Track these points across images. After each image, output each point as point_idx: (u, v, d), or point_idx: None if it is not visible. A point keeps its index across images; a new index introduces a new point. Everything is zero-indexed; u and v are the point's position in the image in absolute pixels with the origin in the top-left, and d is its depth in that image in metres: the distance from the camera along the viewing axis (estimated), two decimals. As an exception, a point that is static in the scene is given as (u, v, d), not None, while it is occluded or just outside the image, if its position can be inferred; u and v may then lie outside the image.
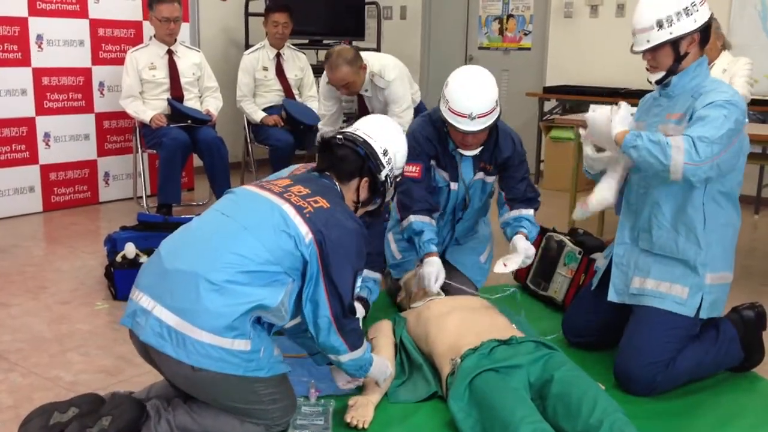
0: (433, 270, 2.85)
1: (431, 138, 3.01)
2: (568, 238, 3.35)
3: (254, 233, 1.99)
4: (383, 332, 2.63)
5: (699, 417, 2.37)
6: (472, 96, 2.79)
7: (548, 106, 6.36)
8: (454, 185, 3.09)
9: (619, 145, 2.41)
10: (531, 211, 3.09)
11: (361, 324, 2.44)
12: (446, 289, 3.09)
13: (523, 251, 2.89)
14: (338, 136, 2.31)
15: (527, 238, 2.96)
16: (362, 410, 2.22)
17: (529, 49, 6.88)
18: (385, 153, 2.31)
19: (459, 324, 2.46)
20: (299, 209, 2.04)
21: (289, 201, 2.06)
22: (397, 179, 2.40)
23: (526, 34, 6.96)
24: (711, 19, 2.45)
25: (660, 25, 2.40)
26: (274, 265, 1.98)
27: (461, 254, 3.29)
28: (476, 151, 2.96)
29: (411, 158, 2.87)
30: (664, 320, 2.47)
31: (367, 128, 2.35)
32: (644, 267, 2.56)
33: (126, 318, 2.01)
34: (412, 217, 2.98)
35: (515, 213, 3.08)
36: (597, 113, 2.53)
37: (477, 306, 2.66)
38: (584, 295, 2.86)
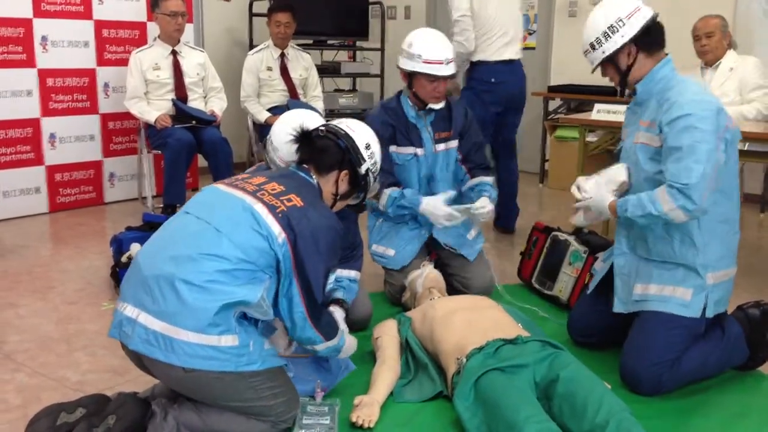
0: (438, 201, 3.11)
1: (386, 121, 3.19)
2: (573, 237, 3.35)
3: (227, 234, 2.00)
4: (388, 332, 2.64)
5: (705, 416, 2.37)
6: (441, 44, 3.13)
7: (553, 105, 6.35)
8: (420, 151, 3.24)
9: (614, 214, 2.52)
10: (490, 179, 3.35)
11: (347, 329, 2.45)
12: (467, 286, 3.23)
13: (486, 213, 3.13)
14: (320, 128, 2.34)
15: (490, 199, 3.22)
16: (368, 409, 2.23)
17: (533, 48, 6.87)
18: (367, 147, 2.35)
19: (464, 323, 2.46)
20: (272, 208, 2.05)
21: (261, 200, 2.07)
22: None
23: (530, 34, 6.95)
24: (650, 23, 2.46)
25: (593, 47, 2.54)
26: (250, 264, 1.99)
27: (448, 233, 3.31)
28: (443, 104, 3.19)
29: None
30: (668, 321, 2.46)
31: (350, 122, 2.41)
32: (645, 273, 2.55)
33: (113, 329, 2.02)
34: (387, 190, 3.16)
35: (476, 180, 3.33)
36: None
37: (482, 305, 2.66)
38: (587, 296, 2.84)
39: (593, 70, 2.61)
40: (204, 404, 2.06)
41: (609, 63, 2.54)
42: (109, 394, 2.17)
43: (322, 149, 2.29)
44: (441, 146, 3.27)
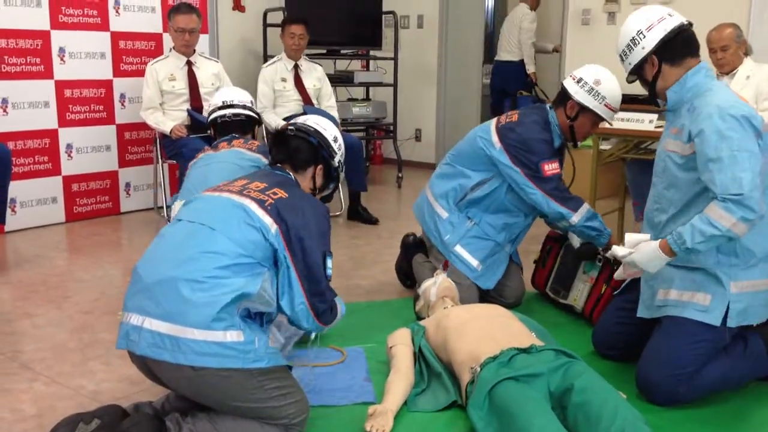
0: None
1: (549, 140, 3.20)
2: (589, 245, 3.32)
3: (222, 231, 2.05)
4: (402, 340, 2.63)
5: (724, 426, 2.33)
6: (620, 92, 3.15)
7: (566, 113, 6.33)
8: None
9: (668, 254, 2.34)
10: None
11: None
12: (502, 294, 3.31)
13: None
14: (290, 128, 2.44)
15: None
16: (382, 419, 2.22)
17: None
18: (335, 140, 2.47)
19: (478, 332, 2.45)
20: (260, 202, 2.11)
21: (249, 196, 2.13)
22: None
23: (544, 42, 6.96)
24: (670, 35, 2.44)
25: (621, 59, 2.59)
26: (248, 257, 2.03)
27: (514, 255, 3.46)
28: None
29: (549, 157, 3.15)
30: (690, 330, 2.40)
31: (315, 118, 2.52)
32: (668, 278, 2.50)
33: (120, 340, 2.03)
34: (586, 205, 3.20)
35: None
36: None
37: (496, 314, 2.65)
38: (613, 308, 2.80)
39: (628, 80, 2.64)
40: (217, 413, 2.06)
41: (636, 74, 2.57)
42: (124, 403, 2.18)
43: (296, 148, 2.40)
44: None
